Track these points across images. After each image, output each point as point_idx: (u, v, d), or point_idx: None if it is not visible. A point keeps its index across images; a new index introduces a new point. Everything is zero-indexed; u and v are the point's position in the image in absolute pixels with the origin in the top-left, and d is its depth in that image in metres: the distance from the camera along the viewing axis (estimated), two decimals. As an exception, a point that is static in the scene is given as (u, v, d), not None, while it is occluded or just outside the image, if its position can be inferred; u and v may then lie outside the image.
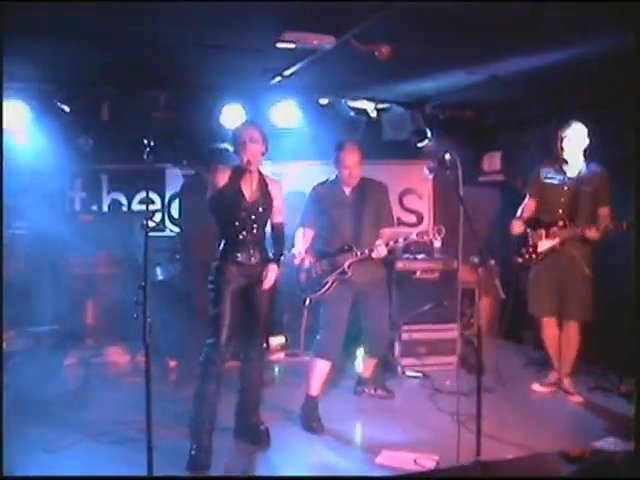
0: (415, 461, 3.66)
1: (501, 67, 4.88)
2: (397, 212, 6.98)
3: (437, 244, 6.28)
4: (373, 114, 6.42)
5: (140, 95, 5.59)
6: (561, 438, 4.04)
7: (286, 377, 5.46)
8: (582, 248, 4.71)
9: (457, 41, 4.23)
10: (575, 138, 4.68)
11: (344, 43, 4.07)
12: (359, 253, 4.27)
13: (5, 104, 5.08)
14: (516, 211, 5.06)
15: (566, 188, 4.76)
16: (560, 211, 4.77)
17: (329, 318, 4.34)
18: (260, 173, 3.96)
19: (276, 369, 5.57)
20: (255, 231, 3.87)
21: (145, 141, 3.08)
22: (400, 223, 6.56)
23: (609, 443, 3.65)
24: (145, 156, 3.14)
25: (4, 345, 4.40)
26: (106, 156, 6.20)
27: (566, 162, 4.76)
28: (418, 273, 5.81)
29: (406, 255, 5.96)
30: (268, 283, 3.89)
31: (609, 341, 5.04)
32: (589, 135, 4.69)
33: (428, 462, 3.65)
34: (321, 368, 4.34)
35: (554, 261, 4.79)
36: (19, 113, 5.36)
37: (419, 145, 6.49)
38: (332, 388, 4.83)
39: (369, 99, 6.34)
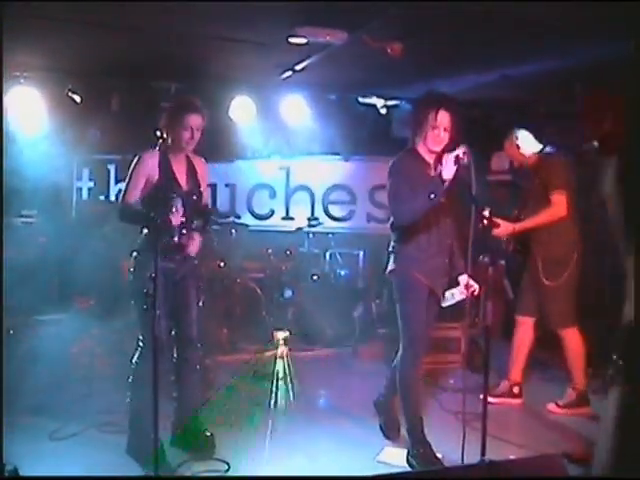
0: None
1: (513, 67, 4.87)
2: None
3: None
4: (382, 110, 6.42)
5: (151, 86, 5.59)
6: (565, 439, 4.04)
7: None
8: (544, 251, 4.41)
9: (469, 40, 4.22)
10: None
11: (356, 39, 4.07)
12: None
13: (17, 92, 5.10)
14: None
15: None
16: None
17: None
18: (187, 155, 3.61)
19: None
20: (188, 221, 3.52)
21: (158, 133, 3.06)
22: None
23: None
24: (157, 147, 3.14)
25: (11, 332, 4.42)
26: (114, 146, 6.20)
27: None
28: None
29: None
30: (194, 248, 3.58)
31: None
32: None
33: (432, 460, 3.64)
34: None
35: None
36: (30, 102, 5.37)
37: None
38: (334, 385, 4.83)
39: (379, 95, 6.33)
